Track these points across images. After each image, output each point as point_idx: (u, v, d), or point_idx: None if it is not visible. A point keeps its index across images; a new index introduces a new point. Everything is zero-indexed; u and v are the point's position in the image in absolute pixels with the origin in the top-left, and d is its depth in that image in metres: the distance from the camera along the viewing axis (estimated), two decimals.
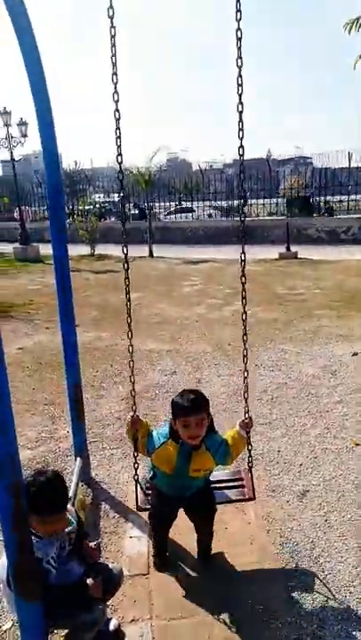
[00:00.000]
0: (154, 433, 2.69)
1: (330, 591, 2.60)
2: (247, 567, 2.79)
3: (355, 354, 6.15)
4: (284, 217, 21.16)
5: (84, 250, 17.55)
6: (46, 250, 16.50)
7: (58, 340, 3.48)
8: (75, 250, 17.74)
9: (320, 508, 3.27)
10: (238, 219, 22.01)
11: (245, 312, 2.86)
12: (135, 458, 2.81)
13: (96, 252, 17.59)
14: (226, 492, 2.95)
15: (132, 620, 2.47)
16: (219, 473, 3.03)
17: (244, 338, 2.84)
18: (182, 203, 26.97)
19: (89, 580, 2.13)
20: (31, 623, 1.92)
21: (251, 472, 2.91)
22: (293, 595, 2.58)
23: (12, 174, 18.44)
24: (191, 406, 2.46)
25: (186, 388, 2.69)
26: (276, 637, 2.34)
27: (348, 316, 8.07)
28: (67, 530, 2.19)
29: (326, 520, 3.15)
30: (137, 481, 2.85)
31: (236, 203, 25.11)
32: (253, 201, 26.14)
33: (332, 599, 2.55)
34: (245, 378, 2.82)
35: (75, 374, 3.43)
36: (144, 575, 2.76)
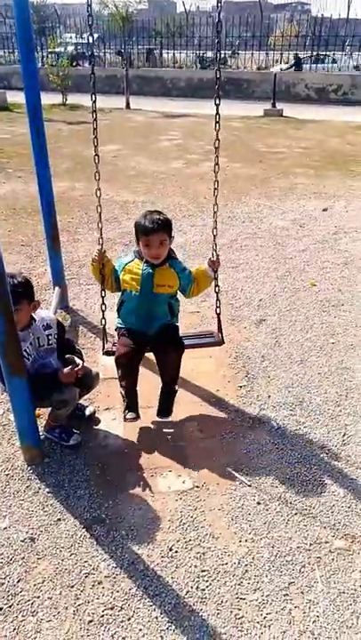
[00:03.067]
0: (117, 263, 2.76)
1: (272, 389, 3.10)
2: (205, 371, 3.26)
3: (325, 209, 6.33)
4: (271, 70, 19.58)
5: (55, 98, 16.22)
6: (13, 97, 15.21)
7: (32, 188, 3.55)
8: (45, 98, 16.23)
9: (273, 333, 3.70)
10: (225, 69, 20.39)
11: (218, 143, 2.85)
12: (103, 298, 2.79)
13: (68, 102, 16.30)
14: (196, 340, 2.98)
15: (107, 409, 2.94)
16: (189, 330, 3.28)
17: (216, 162, 2.68)
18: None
19: (62, 369, 2.50)
20: (19, 396, 2.31)
21: (219, 318, 2.88)
22: (241, 392, 3.08)
23: None
24: (153, 226, 2.54)
25: (149, 209, 2.71)
26: (225, 420, 2.85)
27: (325, 175, 8.07)
28: (45, 332, 2.54)
29: (277, 342, 3.60)
30: (104, 326, 2.85)
31: (224, 52, 22.84)
32: (241, 52, 23.84)
33: (273, 395, 3.05)
34: (215, 212, 2.71)
35: (51, 204, 3.54)
36: (116, 379, 3.19)
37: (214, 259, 2.72)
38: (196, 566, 2.06)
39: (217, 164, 2.68)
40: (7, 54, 24.51)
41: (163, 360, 2.75)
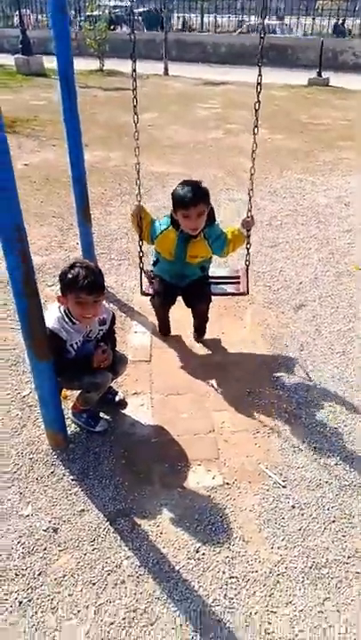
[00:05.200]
0: (156, 222, 2.85)
1: (310, 382, 2.91)
2: (239, 358, 3.09)
3: None
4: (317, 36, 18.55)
5: (92, 64, 15.83)
6: (50, 63, 14.89)
7: (65, 158, 3.34)
8: (82, 64, 15.91)
9: (313, 320, 3.48)
10: (267, 35, 19.33)
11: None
12: (140, 247, 2.93)
13: (106, 67, 15.87)
14: (223, 286, 3.14)
15: (135, 394, 2.82)
16: (218, 270, 3.27)
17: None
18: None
19: (95, 355, 2.38)
20: (44, 381, 2.19)
21: (247, 270, 3.01)
22: (278, 383, 2.90)
23: None
24: (191, 198, 2.54)
25: (186, 179, 2.71)
26: (259, 413, 2.68)
27: None
28: (99, 327, 2.41)
29: (317, 329, 3.38)
30: (142, 269, 2.99)
31: (267, 19, 21.66)
32: (287, 17, 22.61)
33: (312, 388, 2.86)
34: (251, 175, 2.74)
35: (82, 176, 3.35)
36: (146, 362, 3.07)
37: (248, 218, 2.79)
38: (224, 572, 1.94)
39: (257, 105, 2.54)
40: (45, 18, 23.99)
41: (193, 308, 3.04)
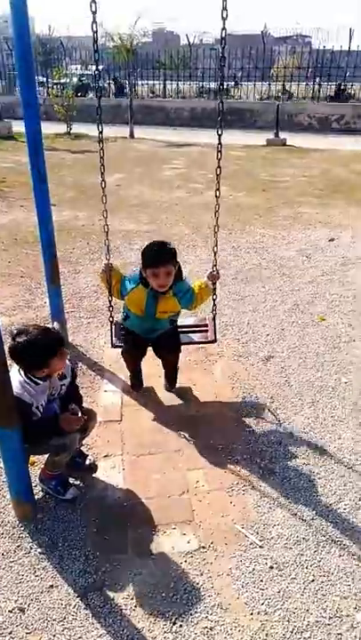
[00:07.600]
0: (126, 279, 2.96)
1: (282, 435, 2.91)
2: (211, 413, 3.08)
3: (331, 239, 6.22)
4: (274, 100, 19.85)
5: (59, 128, 16.45)
6: (18, 127, 15.42)
7: (34, 218, 3.43)
8: (50, 128, 16.53)
9: (282, 371, 3.52)
10: (227, 99, 20.66)
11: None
12: (110, 302, 3.06)
13: (73, 131, 16.51)
14: (191, 335, 3.27)
15: (106, 456, 2.75)
16: (186, 319, 3.37)
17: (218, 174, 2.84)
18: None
19: (63, 416, 2.33)
20: (9, 448, 2.12)
21: (214, 319, 3.17)
22: (250, 437, 2.88)
23: None
24: (160, 258, 2.70)
25: (155, 240, 2.87)
26: (233, 469, 2.65)
27: (330, 204, 8.00)
28: (60, 382, 2.39)
29: (286, 380, 3.42)
30: (112, 322, 3.12)
31: (227, 84, 23.15)
32: (244, 83, 24.26)
33: (285, 441, 2.85)
34: (215, 233, 2.92)
35: (50, 235, 3.41)
36: (117, 421, 3.02)
37: (214, 272, 2.96)
38: None
39: (219, 160, 2.79)
40: (14, 85, 25.02)
41: (163, 358, 3.15)
